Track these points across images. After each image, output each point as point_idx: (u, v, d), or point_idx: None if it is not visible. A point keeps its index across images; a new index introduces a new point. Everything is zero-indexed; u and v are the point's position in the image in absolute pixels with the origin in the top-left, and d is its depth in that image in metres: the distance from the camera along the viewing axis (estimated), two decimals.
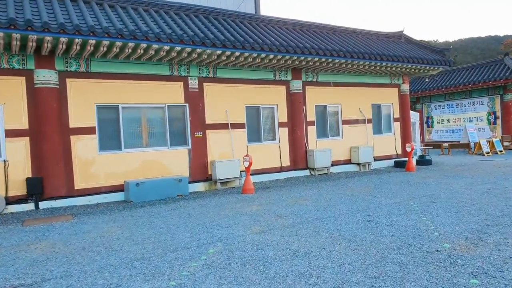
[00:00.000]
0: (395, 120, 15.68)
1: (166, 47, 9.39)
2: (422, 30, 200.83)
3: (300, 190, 9.86)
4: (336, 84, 14.03)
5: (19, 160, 8.76)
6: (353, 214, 6.72)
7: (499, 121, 21.58)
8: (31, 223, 7.20)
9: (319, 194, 9.15)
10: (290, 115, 12.90)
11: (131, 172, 10.00)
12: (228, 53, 10.31)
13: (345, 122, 14.22)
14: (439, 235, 5.15)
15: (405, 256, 4.36)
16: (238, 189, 10.69)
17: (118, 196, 9.73)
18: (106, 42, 8.72)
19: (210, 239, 5.50)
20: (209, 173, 11.21)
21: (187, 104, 10.97)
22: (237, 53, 10.42)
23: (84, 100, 9.54)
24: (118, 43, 8.87)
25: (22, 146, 8.81)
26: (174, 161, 10.67)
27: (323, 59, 11.95)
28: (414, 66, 14.21)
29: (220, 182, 11.04)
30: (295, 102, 12.93)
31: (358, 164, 14.00)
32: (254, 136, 12.30)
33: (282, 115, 12.77)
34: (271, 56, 11.00)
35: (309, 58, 11.69)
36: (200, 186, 10.99)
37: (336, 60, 12.17)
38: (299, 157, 12.94)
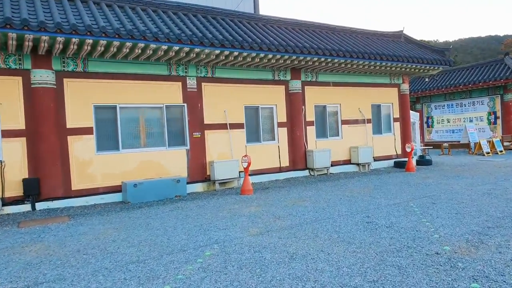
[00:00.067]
0: (395, 120, 15.60)
1: (164, 47, 9.31)
2: (422, 30, 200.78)
3: (299, 191, 9.78)
4: (336, 84, 13.95)
5: (15, 160, 8.68)
6: (352, 216, 6.64)
7: (499, 121, 21.51)
8: (27, 225, 7.13)
9: (318, 195, 9.08)
10: (289, 115, 12.83)
11: (129, 173, 9.92)
12: (226, 52, 10.23)
13: (345, 122, 14.15)
14: (439, 237, 5.07)
15: (405, 259, 4.29)
16: (237, 189, 10.62)
17: (116, 197, 9.66)
18: (103, 42, 8.65)
19: (207, 241, 5.42)
20: (208, 173, 11.14)
21: (185, 104, 10.89)
22: (235, 53, 10.35)
23: (81, 100, 9.47)
24: (116, 43, 8.79)
25: (18, 146, 8.74)
26: (172, 162, 10.60)
27: (323, 59, 11.88)
28: (414, 66, 14.14)
29: (219, 183, 10.97)
30: (294, 102, 12.85)
31: (358, 164, 13.93)
32: (253, 136, 12.23)
33: (281, 115, 12.69)
34: (270, 56, 10.93)
35: (308, 58, 11.61)
36: (199, 187, 10.91)
37: (336, 60, 12.10)
38: (298, 157, 12.87)
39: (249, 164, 9.80)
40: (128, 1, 10.53)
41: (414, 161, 14.47)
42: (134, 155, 10.08)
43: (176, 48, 9.46)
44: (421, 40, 17.18)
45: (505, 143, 20.17)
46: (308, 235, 5.48)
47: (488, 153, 18.26)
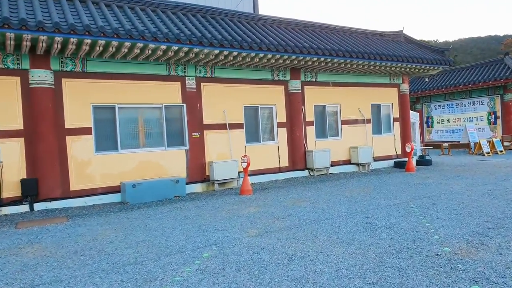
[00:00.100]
0: (395, 120, 15.56)
1: (163, 47, 9.28)
2: (422, 30, 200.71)
3: (298, 191, 9.74)
4: (335, 84, 13.91)
5: (13, 161, 8.64)
6: (352, 216, 6.60)
7: (499, 121, 21.47)
8: (24, 226, 7.09)
9: (318, 195, 9.04)
10: (289, 115, 12.79)
11: (127, 173, 9.88)
12: (225, 52, 10.19)
13: (344, 122, 14.11)
14: (439, 238, 5.03)
15: (404, 261, 4.25)
16: (236, 190, 10.58)
17: (115, 198, 9.62)
18: (102, 42, 8.60)
19: (205, 242, 5.38)
20: (207, 174, 11.10)
21: (184, 104, 10.86)
22: (234, 53, 10.31)
23: (80, 100, 9.43)
24: (114, 43, 8.75)
25: (16, 146, 8.70)
26: (171, 162, 10.56)
27: (322, 59, 11.84)
28: (414, 66, 14.10)
29: (218, 183, 10.93)
30: (294, 102, 12.81)
31: (358, 164, 13.89)
32: (253, 136, 12.19)
33: (280, 115, 12.65)
34: (269, 56, 10.89)
35: (307, 58, 11.57)
36: (198, 187, 10.88)
37: (335, 60, 12.06)
38: (298, 157, 12.83)
39: (248, 164, 9.76)
40: (127, 1, 10.49)
41: (414, 161, 14.43)
42: (133, 156, 10.04)
43: (175, 48, 9.42)
44: (421, 40, 17.14)
45: (505, 143, 20.13)
46: (307, 236, 5.44)
47: (488, 153, 18.22)
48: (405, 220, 6.16)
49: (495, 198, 7.66)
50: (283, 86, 12.71)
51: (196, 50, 9.75)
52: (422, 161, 14.95)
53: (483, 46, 66.27)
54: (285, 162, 12.67)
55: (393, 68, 14.00)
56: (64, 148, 9.20)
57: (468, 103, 22.93)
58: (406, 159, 14.09)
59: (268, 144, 12.40)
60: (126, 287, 3.84)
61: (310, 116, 13.27)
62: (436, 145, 21.77)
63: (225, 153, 11.49)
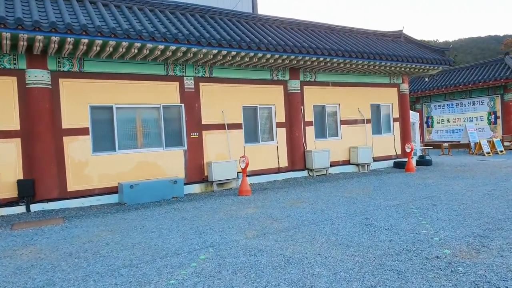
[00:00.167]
0: (395, 120, 15.49)
1: (161, 46, 9.20)
2: (422, 30, 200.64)
3: (297, 192, 9.67)
4: (335, 84, 13.84)
5: (10, 161, 8.57)
6: (351, 217, 6.53)
7: (499, 121, 21.40)
8: (20, 227, 7.02)
9: (317, 196, 8.96)
10: (288, 115, 12.72)
11: (125, 174, 9.81)
12: (224, 52, 10.12)
13: (344, 122, 14.04)
14: (439, 240, 4.96)
15: (404, 263, 4.18)
16: (235, 190, 10.51)
17: (112, 198, 9.54)
18: (99, 42, 8.53)
19: (202, 244, 5.31)
20: (205, 174, 11.02)
21: (182, 104, 10.78)
22: (233, 53, 10.24)
23: (77, 101, 9.35)
24: (112, 43, 8.68)
25: (13, 147, 8.62)
26: (170, 162, 10.49)
27: (321, 59, 11.77)
28: (413, 66, 14.02)
29: (217, 184, 10.86)
30: (293, 102, 12.74)
31: (357, 164, 13.82)
32: (252, 136, 12.11)
33: (279, 115, 12.58)
34: (268, 56, 10.81)
35: (306, 58, 11.50)
36: (196, 188, 10.80)
37: (335, 60, 11.99)
38: (297, 157, 12.76)
39: (246, 165, 9.69)
40: (125, 1, 10.42)
41: (414, 162, 14.36)
42: (131, 156, 9.97)
43: (173, 47, 9.35)
44: (421, 40, 17.07)
45: (505, 143, 20.06)
46: (305, 238, 5.37)
47: (489, 153, 18.15)
48: (404, 221, 6.09)
49: (496, 199, 7.58)
50: (282, 86, 12.64)
51: (194, 50, 9.67)
52: (422, 161, 14.87)
53: (483, 46, 66.20)
54: (284, 163, 12.59)
55: (392, 68, 13.93)
56: (61, 149, 9.12)
57: (468, 103, 22.86)
58: (406, 159, 14.02)
59: (267, 145, 12.33)
60: None
61: (309, 116, 13.19)
62: (436, 145, 21.69)
63: (223, 153, 11.41)
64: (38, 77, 8.81)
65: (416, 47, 15.76)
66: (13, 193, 8.53)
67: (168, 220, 7.02)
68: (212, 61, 10.72)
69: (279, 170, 12.44)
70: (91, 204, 9.23)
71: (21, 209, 8.51)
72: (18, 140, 8.68)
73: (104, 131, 9.75)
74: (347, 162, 13.93)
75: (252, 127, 12.14)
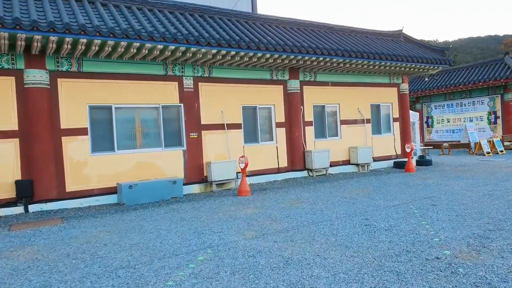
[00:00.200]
0: (395, 120, 15.45)
1: (160, 46, 9.17)
2: (422, 29, 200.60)
3: (297, 192, 9.63)
4: (334, 84, 13.81)
5: (8, 162, 8.53)
6: (350, 218, 6.50)
7: (499, 121, 21.36)
8: (18, 228, 6.98)
9: (316, 196, 8.93)
10: (288, 115, 12.68)
11: (124, 174, 9.77)
12: (223, 52, 10.09)
13: (344, 122, 14.00)
14: (439, 241, 4.92)
15: (404, 264, 4.14)
16: (234, 191, 10.47)
17: (111, 199, 9.51)
18: (97, 41, 8.49)
19: (201, 245, 5.27)
20: (205, 174, 10.99)
21: (182, 104, 10.75)
22: (232, 52, 10.20)
23: (76, 101, 9.32)
24: (110, 42, 8.65)
25: (11, 147, 8.59)
26: (169, 163, 10.45)
27: (321, 58, 11.73)
28: (413, 65, 13.99)
29: (216, 184, 10.82)
30: (292, 102, 12.70)
31: (357, 164, 13.78)
32: (251, 136, 12.07)
33: (279, 115, 12.54)
34: (268, 55, 10.78)
35: (306, 58, 11.46)
36: (195, 188, 10.77)
37: (334, 60, 11.95)
38: (297, 158, 12.72)
39: (246, 165, 9.65)
40: (124, 0, 10.38)
41: (414, 162, 14.32)
42: (130, 156, 9.93)
43: (172, 47, 9.31)
44: (421, 40, 17.03)
45: (505, 143, 20.02)
46: (304, 239, 5.33)
47: (489, 153, 18.11)
48: (404, 221, 6.05)
49: (496, 199, 7.55)
50: (281, 86, 12.61)
51: (193, 49, 9.63)
52: (422, 161, 14.84)
53: (483, 46, 66.15)
54: (284, 163, 12.56)
55: (392, 68, 13.89)
56: (60, 149, 9.09)
57: (468, 103, 22.82)
58: (406, 159, 13.98)
59: (267, 145, 12.29)
60: None
61: (309, 116, 13.16)
62: (436, 145, 21.65)
63: (223, 153, 11.38)
64: (36, 77, 8.77)
65: (416, 46, 15.72)
66: (11, 193, 8.49)
67: (166, 221, 6.99)
68: (211, 61, 10.68)
69: (278, 170, 12.40)
70: (89, 205, 9.19)
71: (19, 209, 8.47)
72: (17, 140, 8.64)
73: (103, 131, 9.72)
74: (347, 162, 13.90)
75: (252, 127, 12.11)
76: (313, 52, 11.40)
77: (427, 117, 25.06)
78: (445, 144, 21.18)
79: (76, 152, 9.25)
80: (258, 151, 12.04)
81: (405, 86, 15.68)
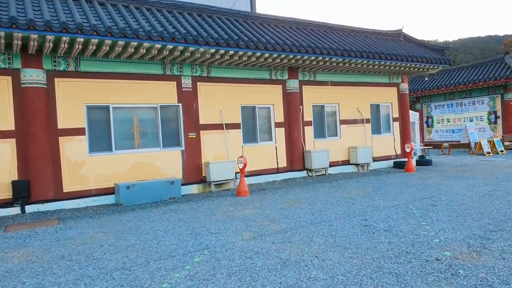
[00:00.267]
0: (394, 120, 15.38)
1: (158, 46, 9.10)
2: (421, 29, 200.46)
3: (296, 192, 9.57)
4: (334, 84, 13.74)
5: (4, 162, 8.46)
6: (350, 218, 6.43)
7: (499, 121, 21.29)
8: (14, 229, 6.91)
9: (315, 196, 8.86)
10: (287, 115, 12.61)
11: (122, 174, 9.70)
12: (222, 51, 10.02)
13: (343, 122, 13.93)
14: (439, 242, 4.85)
15: (403, 266, 4.07)
16: (233, 191, 10.40)
17: (109, 199, 9.44)
18: (95, 41, 8.42)
19: (197, 246, 5.20)
20: (203, 174, 10.92)
21: (180, 104, 10.68)
22: (231, 52, 10.14)
23: (73, 100, 9.25)
24: (108, 42, 8.58)
25: (8, 147, 8.52)
26: (167, 163, 10.38)
27: (320, 58, 11.66)
28: (413, 65, 13.92)
29: (215, 184, 10.75)
30: (292, 102, 12.63)
31: (357, 165, 13.71)
32: (250, 136, 12.01)
33: (278, 115, 12.47)
34: (267, 55, 10.71)
35: (305, 57, 11.40)
36: (194, 188, 10.70)
37: (334, 59, 11.89)
38: (296, 158, 12.65)
39: (245, 165, 9.58)
40: (122, 0, 10.33)
41: (413, 161, 14.25)
42: (128, 156, 9.86)
43: (170, 46, 9.25)
44: (421, 39, 16.96)
45: (505, 143, 19.95)
46: (302, 240, 5.27)
47: (489, 153, 18.04)
48: (404, 222, 5.99)
49: (497, 199, 7.48)
50: (280, 86, 12.54)
51: (191, 49, 9.57)
52: (422, 161, 14.77)
53: (483, 46, 66.07)
54: (283, 163, 12.49)
55: (392, 67, 13.82)
56: (57, 149, 9.02)
57: (468, 103, 22.75)
58: (405, 159, 13.91)
59: (266, 145, 12.22)
60: None
61: (308, 116, 13.09)
62: (436, 145, 21.59)
63: (221, 153, 11.31)
64: (33, 76, 8.71)
65: (415, 46, 15.66)
66: (8, 194, 8.42)
67: (164, 222, 6.92)
68: (209, 60, 10.62)
69: (277, 171, 12.33)
70: (87, 205, 9.12)
71: (16, 210, 8.41)
72: (13, 140, 8.57)
73: (101, 131, 9.65)
74: (347, 162, 13.83)
75: (251, 127, 12.04)
76: (313, 51, 11.33)
77: (427, 117, 24.99)
78: (445, 144, 21.11)
79: (73, 152, 9.18)
80: (257, 151, 11.98)
81: (405, 86, 15.61)
